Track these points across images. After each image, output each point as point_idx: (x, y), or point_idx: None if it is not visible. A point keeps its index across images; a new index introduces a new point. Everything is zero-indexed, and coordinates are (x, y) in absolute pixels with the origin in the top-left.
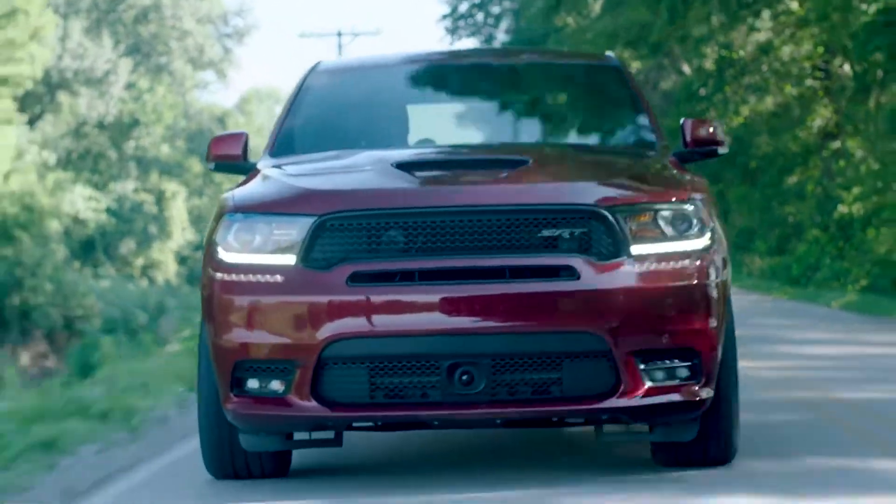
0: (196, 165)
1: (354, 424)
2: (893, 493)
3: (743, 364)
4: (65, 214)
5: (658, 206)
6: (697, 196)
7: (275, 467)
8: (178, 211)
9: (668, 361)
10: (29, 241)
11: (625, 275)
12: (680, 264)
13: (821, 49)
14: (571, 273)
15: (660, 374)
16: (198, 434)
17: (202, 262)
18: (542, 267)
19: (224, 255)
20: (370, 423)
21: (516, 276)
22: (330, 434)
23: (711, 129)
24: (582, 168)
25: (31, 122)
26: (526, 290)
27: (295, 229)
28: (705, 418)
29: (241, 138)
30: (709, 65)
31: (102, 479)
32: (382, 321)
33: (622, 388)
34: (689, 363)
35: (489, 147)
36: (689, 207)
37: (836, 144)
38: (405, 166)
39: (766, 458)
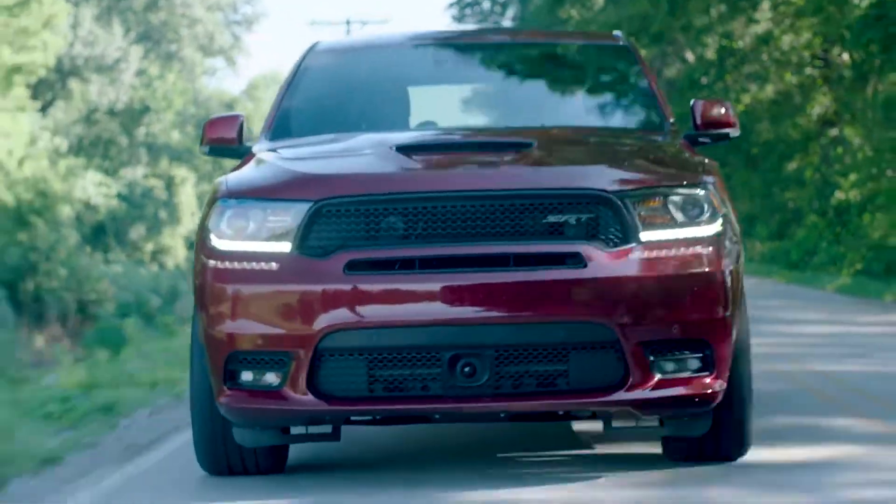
0: None
1: (352, 418)
2: (843, 443)
3: None
4: (76, 200)
5: (668, 191)
6: (709, 180)
7: (270, 463)
8: (188, 196)
9: (678, 353)
10: (43, 227)
11: (633, 262)
12: (691, 251)
13: (819, 38)
14: (578, 260)
15: (670, 366)
16: None
17: (194, 250)
18: (547, 254)
19: (217, 243)
20: (369, 417)
21: (520, 263)
22: (327, 428)
23: (723, 110)
24: (589, 151)
25: (43, 109)
26: (531, 278)
27: (290, 215)
28: (718, 412)
29: (237, 121)
30: (710, 54)
31: (158, 438)
32: (381, 311)
33: (631, 380)
34: (701, 354)
35: (493, 130)
36: (700, 192)
37: (834, 132)
38: (405, 150)
39: None
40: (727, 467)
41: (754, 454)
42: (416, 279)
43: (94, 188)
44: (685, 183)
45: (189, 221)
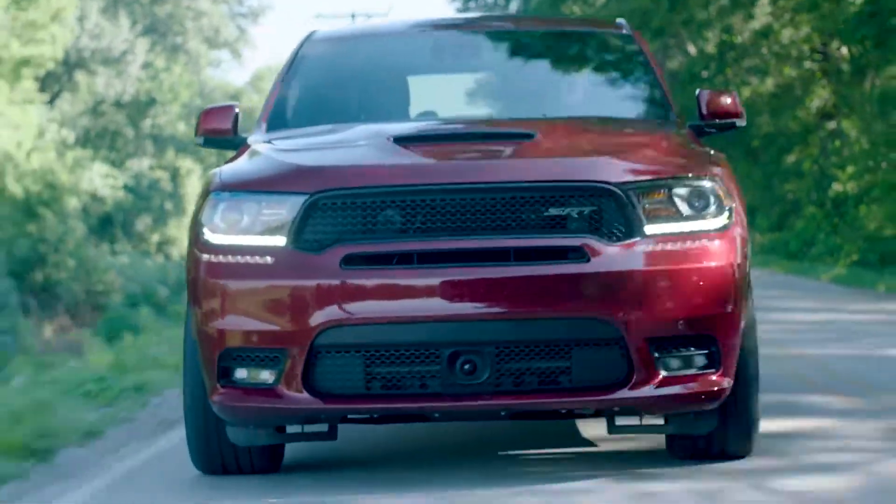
0: None
1: (349, 417)
2: (817, 417)
3: None
4: (83, 192)
5: (674, 183)
6: (716, 171)
7: (265, 462)
8: (193, 188)
9: (684, 349)
10: (52, 218)
11: (638, 256)
12: (697, 245)
13: (818, 33)
14: (581, 255)
15: (675, 363)
16: None
17: (187, 243)
18: (549, 248)
19: (210, 236)
20: (366, 416)
21: (522, 258)
22: (324, 427)
23: (730, 100)
24: (592, 142)
25: (51, 102)
26: (532, 272)
27: (285, 208)
28: (724, 409)
29: (231, 111)
30: (711, 48)
31: None
32: (378, 307)
33: (635, 377)
34: (707, 351)
35: (493, 120)
36: (706, 184)
37: (832, 125)
38: (403, 141)
39: None
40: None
41: None
42: (415, 274)
43: (100, 180)
44: (691, 174)
45: None
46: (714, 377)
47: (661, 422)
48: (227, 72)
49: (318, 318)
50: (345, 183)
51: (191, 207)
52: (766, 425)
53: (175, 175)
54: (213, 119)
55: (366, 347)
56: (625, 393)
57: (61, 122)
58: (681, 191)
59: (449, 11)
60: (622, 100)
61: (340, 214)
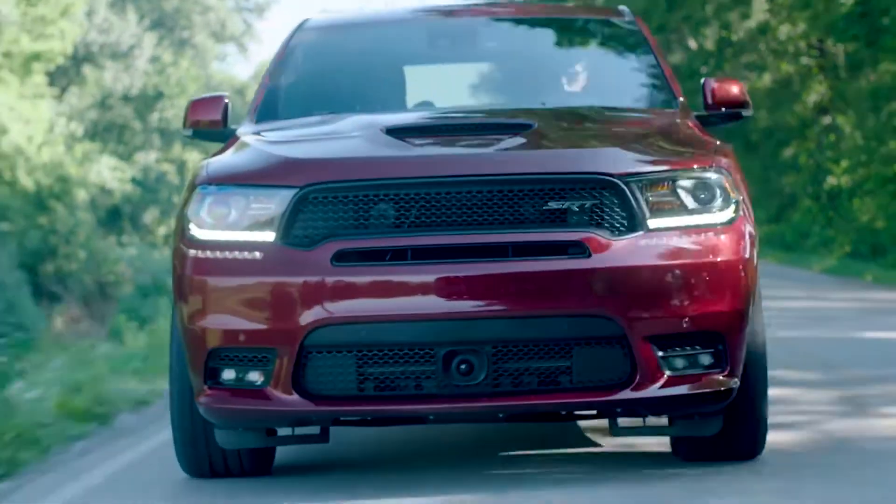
0: None
1: (341, 419)
2: (773, 387)
3: None
4: (91, 184)
5: (678, 175)
6: (722, 163)
7: (256, 465)
8: None
9: (689, 348)
10: (63, 211)
11: (641, 251)
12: (702, 239)
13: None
14: (581, 250)
15: (680, 362)
16: None
17: (173, 238)
18: (548, 243)
19: (196, 232)
20: (359, 418)
21: (520, 253)
22: (315, 429)
23: (736, 89)
24: (593, 132)
25: (59, 96)
26: (531, 269)
27: (274, 203)
28: (730, 410)
29: (221, 102)
30: (710, 45)
31: None
32: (371, 305)
33: (638, 377)
34: (713, 349)
35: (491, 111)
36: (712, 176)
37: (828, 120)
38: (397, 132)
39: None
40: None
41: None
42: (409, 270)
43: (108, 172)
44: (696, 166)
45: None
46: (720, 377)
47: (665, 423)
48: (232, 65)
49: (308, 316)
50: (336, 176)
51: None
52: None
53: (182, 168)
54: (201, 110)
55: (358, 347)
56: (628, 393)
57: (70, 115)
58: (685, 183)
59: None
60: (625, 89)
61: (331, 208)
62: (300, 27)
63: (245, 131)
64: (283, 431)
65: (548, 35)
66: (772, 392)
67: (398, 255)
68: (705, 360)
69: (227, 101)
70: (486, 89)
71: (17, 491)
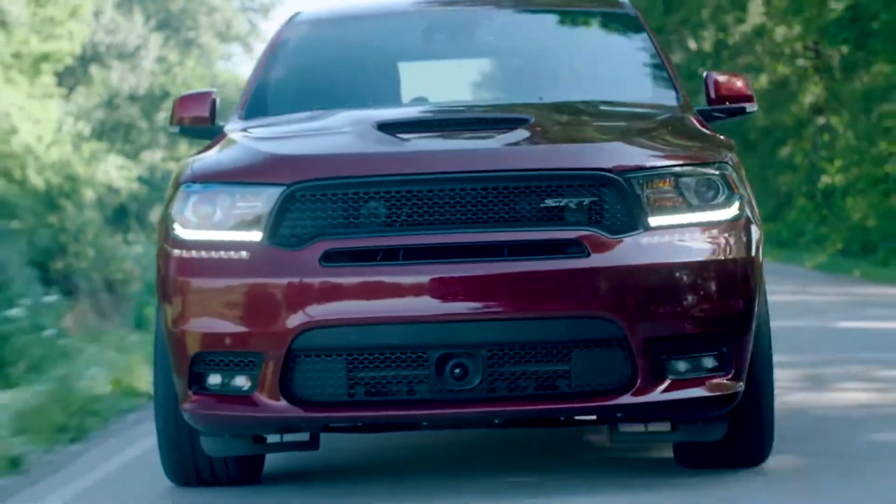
0: None
1: (331, 426)
2: None
3: None
4: (98, 183)
5: (679, 171)
6: (725, 158)
7: (244, 473)
8: None
9: (692, 350)
10: (72, 209)
11: (641, 250)
12: (705, 237)
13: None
14: (580, 249)
15: (683, 366)
16: None
17: (157, 238)
18: (545, 242)
19: (181, 231)
20: (349, 425)
21: (516, 253)
22: (304, 436)
23: (740, 83)
24: (591, 127)
25: (67, 96)
26: (527, 269)
27: (261, 201)
28: (735, 415)
29: (209, 98)
30: (707, 47)
31: None
32: (361, 306)
33: (639, 381)
34: (717, 352)
35: (485, 105)
36: (715, 172)
37: (822, 120)
38: (388, 127)
39: None
40: None
41: None
42: (401, 271)
43: (115, 171)
44: (698, 162)
45: None
46: (725, 380)
47: (667, 429)
48: (238, 65)
49: (296, 319)
50: (325, 173)
51: None
52: None
53: None
54: (189, 106)
55: (348, 351)
56: (628, 398)
57: (77, 115)
58: (687, 179)
59: None
60: (625, 82)
61: (320, 207)
62: (290, 21)
63: (232, 128)
64: (272, 438)
65: (546, 27)
66: None
67: (389, 255)
68: (709, 362)
69: (214, 96)
70: (483, 83)
71: (87, 453)
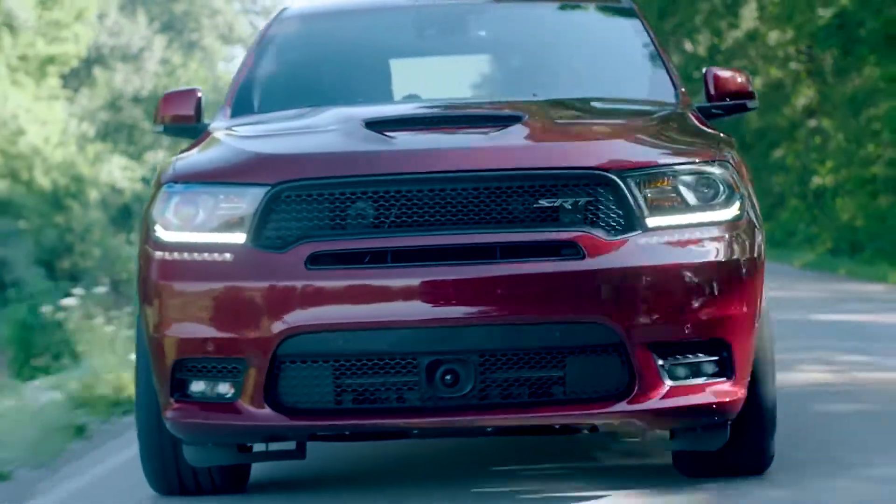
0: None
1: (318, 434)
2: None
3: None
4: (103, 184)
5: (678, 170)
6: (726, 156)
7: (229, 482)
8: None
9: (691, 355)
10: (78, 209)
11: (639, 252)
12: (705, 238)
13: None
14: (575, 251)
15: (682, 371)
16: None
17: (139, 240)
18: (539, 244)
19: (162, 233)
20: (337, 433)
21: (509, 255)
22: (291, 445)
23: (741, 79)
24: (587, 125)
25: (71, 97)
26: (520, 271)
27: (244, 202)
28: (736, 423)
29: (194, 96)
30: (702, 51)
31: None
32: (349, 311)
33: (637, 388)
34: (718, 357)
35: (478, 103)
36: (715, 171)
37: (814, 123)
38: (376, 125)
39: None
40: None
41: None
42: (389, 274)
43: (119, 172)
44: (698, 160)
45: None
46: (726, 386)
47: (666, 437)
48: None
49: (280, 324)
50: (310, 173)
51: None
52: None
53: None
54: (173, 104)
55: (335, 357)
56: (625, 405)
57: (81, 116)
58: (687, 178)
59: None
60: (622, 79)
61: (306, 208)
62: (278, 17)
63: (217, 126)
64: (258, 447)
65: (541, 23)
66: None
67: (377, 258)
68: (709, 368)
69: (200, 94)
70: (476, 80)
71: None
